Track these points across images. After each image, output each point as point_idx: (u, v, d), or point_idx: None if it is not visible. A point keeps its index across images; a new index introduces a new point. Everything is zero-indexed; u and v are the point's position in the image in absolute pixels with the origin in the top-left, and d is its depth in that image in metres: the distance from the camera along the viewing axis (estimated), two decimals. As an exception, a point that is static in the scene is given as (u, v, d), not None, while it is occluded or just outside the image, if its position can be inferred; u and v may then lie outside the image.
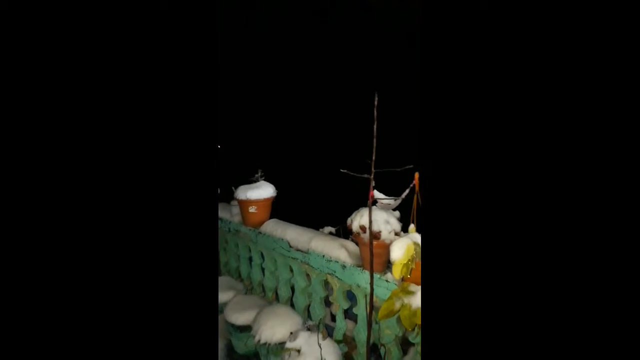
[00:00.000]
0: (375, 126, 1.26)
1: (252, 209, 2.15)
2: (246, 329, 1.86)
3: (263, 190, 2.15)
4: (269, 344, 1.64)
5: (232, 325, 1.88)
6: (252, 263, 2.25)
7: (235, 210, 2.37)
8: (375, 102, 1.22)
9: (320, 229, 1.87)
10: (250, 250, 2.27)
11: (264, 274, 2.19)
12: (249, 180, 2.27)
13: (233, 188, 2.29)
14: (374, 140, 1.27)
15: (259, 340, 1.66)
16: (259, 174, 2.30)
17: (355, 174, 1.36)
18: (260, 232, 2.08)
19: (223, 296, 2.13)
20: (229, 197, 2.75)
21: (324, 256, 1.66)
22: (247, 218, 2.18)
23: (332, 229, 1.82)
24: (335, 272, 1.62)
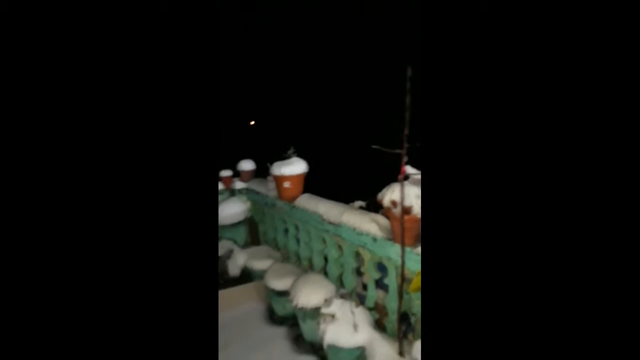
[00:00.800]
0: (407, 99, 1.23)
1: (286, 184, 2.24)
2: (284, 294, 2.02)
3: (296, 167, 2.22)
4: (306, 309, 1.78)
5: (272, 290, 2.05)
6: (288, 234, 2.39)
7: (271, 185, 2.49)
8: (409, 75, 1.19)
9: (351, 204, 1.92)
10: (285, 223, 2.40)
11: (299, 245, 2.32)
12: (283, 156, 2.35)
13: (268, 164, 2.39)
14: (407, 113, 1.25)
15: (296, 305, 1.80)
16: (292, 150, 2.36)
17: (386, 150, 1.36)
18: (294, 206, 2.18)
19: (263, 264, 2.31)
20: (265, 172, 2.87)
21: (355, 229, 1.72)
22: (282, 192, 2.28)
23: (363, 203, 1.86)
24: (366, 244, 1.68)
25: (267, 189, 2.56)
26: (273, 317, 2.17)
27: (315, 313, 1.76)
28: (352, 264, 1.87)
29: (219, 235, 2.74)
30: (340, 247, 1.93)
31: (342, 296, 1.81)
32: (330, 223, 1.89)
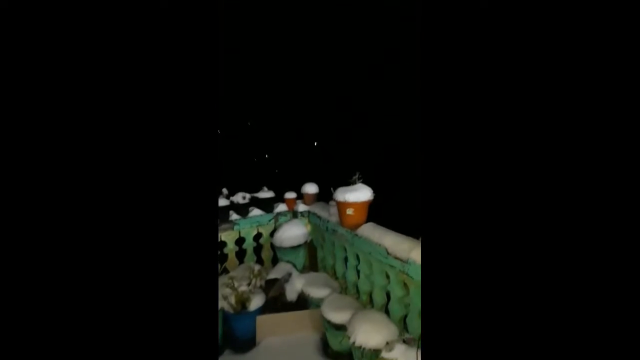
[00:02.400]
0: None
1: (349, 211, 2.18)
2: (341, 327, 1.90)
3: (361, 193, 2.16)
4: (364, 349, 1.64)
5: (329, 322, 1.95)
6: (348, 264, 2.29)
7: (333, 210, 2.45)
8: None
9: (420, 239, 1.76)
10: (345, 251, 2.32)
11: (358, 276, 2.20)
12: (348, 182, 2.31)
13: (332, 189, 2.37)
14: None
15: (354, 343, 1.67)
16: (357, 176, 2.31)
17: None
18: (356, 235, 2.09)
19: (320, 292, 2.24)
20: (328, 197, 2.86)
21: (425, 268, 1.56)
22: (344, 219, 2.22)
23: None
24: (437, 287, 1.50)
25: (329, 213, 2.53)
26: (327, 351, 2.05)
27: (374, 356, 1.61)
28: (419, 306, 1.68)
29: (279, 257, 2.76)
30: (406, 286, 1.77)
31: (406, 341, 1.62)
32: (396, 258, 1.75)
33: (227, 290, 2.24)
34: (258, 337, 2.22)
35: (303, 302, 2.36)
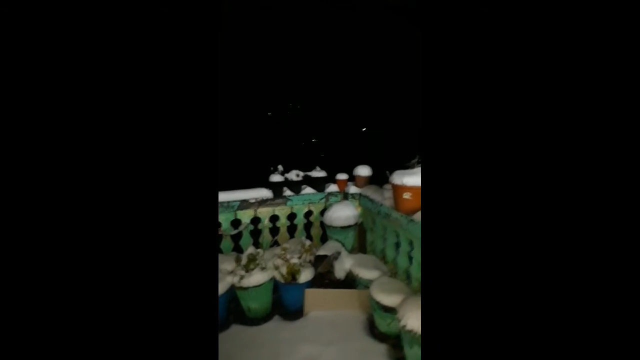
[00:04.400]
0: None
1: (406, 196, 2.11)
2: (391, 310, 1.90)
3: (420, 178, 2.08)
4: (415, 333, 1.62)
5: (378, 303, 1.95)
6: (399, 249, 2.25)
7: (388, 194, 2.40)
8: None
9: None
10: (398, 236, 2.27)
11: (410, 263, 2.16)
12: (405, 165, 2.23)
13: (387, 172, 2.31)
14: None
15: (404, 326, 1.66)
16: (416, 159, 2.22)
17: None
18: (412, 220, 2.03)
19: (370, 274, 2.24)
20: (381, 180, 2.80)
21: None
22: (399, 204, 2.17)
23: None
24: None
25: (382, 197, 2.49)
26: (374, 331, 2.06)
27: (425, 342, 1.58)
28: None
29: (329, 235, 2.81)
30: (464, 276, 1.69)
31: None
32: (457, 246, 1.67)
33: (279, 261, 2.34)
34: (306, 309, 2.30)
35: (350, 282, 2.39)
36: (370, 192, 2.70)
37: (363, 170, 2.93)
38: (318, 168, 3.01)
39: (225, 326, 2.19)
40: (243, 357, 1.88)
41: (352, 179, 3.00)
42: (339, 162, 3.26)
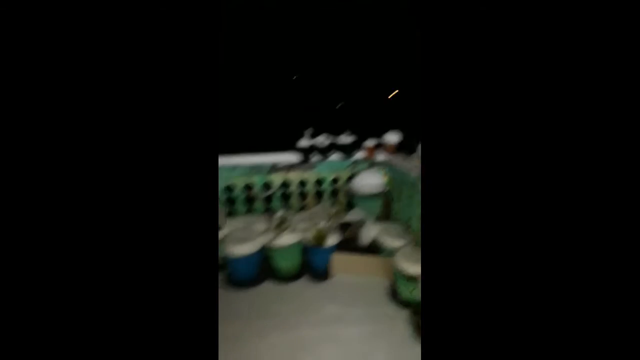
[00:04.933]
0: None
1: (437, 167, 2.05)
2: (414, 279, 1.96)
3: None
4: (437, 303, 1.68)
5: (401, 271, 2.01)
6: (426, 219, 2.25)
7: (416, 163, 2.34)
8: None
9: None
10: (425, 207, 2.25)
11: (436, 234, 2.16)
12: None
13: (417, 140, 2.23)
14: None
15: (427, 296, 1.72)
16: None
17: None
18: (442, 193, 2.00)
19: (395, 242, 2.28)
20: (411, 148, 2.72)
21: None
22: (429, 175, 2.12)
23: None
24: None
25: (410, 166, 2.43)
26: (396, 297, 2.16)
27: (447, 312, 1.64)
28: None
29: (354, 203, 2.84)
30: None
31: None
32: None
33: (307, 224, 2.44)
34: (332, 272, 2.43)
35: (375, 249, 2.46)
36: (399, 160, 2.64)
37: (392, 137, 2.84)
38: (348, 132, 2.96)
39: (258, 282, 2.38)
40: (273, 309, 2.07)
41: (381, 145, 2.94)
42: (369, 127, 3.18)
